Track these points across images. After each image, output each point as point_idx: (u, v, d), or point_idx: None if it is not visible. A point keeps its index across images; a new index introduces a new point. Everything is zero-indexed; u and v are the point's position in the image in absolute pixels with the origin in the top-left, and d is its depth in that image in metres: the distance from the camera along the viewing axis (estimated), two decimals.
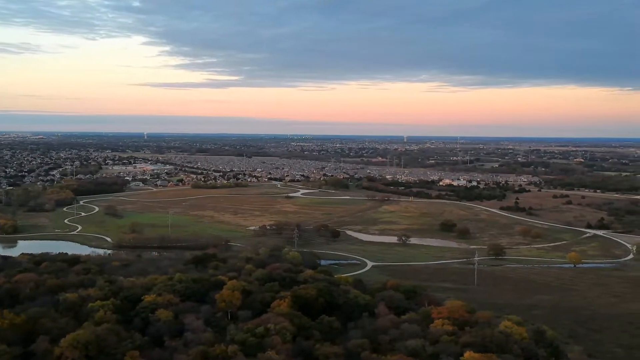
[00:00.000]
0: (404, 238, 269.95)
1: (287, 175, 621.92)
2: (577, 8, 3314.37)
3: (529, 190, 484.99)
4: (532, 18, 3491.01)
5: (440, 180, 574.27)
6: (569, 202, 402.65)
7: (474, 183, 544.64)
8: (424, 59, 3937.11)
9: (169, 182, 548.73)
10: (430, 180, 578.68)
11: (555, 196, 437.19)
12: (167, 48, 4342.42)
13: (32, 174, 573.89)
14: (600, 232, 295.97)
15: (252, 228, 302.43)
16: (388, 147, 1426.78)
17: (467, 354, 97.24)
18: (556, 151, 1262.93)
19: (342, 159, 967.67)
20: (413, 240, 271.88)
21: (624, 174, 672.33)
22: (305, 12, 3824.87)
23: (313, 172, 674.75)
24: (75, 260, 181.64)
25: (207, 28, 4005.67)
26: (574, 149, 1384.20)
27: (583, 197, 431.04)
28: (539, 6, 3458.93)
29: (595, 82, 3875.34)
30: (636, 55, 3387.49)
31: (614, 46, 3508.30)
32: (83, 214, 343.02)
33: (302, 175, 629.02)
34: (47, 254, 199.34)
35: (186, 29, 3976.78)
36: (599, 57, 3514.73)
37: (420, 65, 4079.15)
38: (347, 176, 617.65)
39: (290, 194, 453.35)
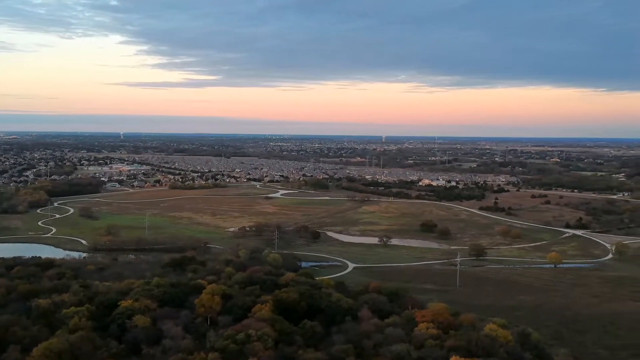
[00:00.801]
0: (384, 239, 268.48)
1: (266, 176, 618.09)
2: (552, 10, 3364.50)
3: (508, 190, 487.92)
4: (509, 20, 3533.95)
5: (419, 180, 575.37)
6: (548, 202, 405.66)
7: (453, 183, 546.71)
8: (402, 59, 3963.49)
9: (145, 182, 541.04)
10: (409, 180, 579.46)
11: (533, 196, 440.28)
12: (144, 47, 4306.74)
13: (4, 175, 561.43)
14: (578, 232, 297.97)
15: (231, 229, 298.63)
16: (367, 147, 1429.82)
17: (453, 358, 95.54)
18: (533, 151, 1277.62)
19: (321, 159, 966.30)
20: (394, 241, 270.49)
21: (599, 173, 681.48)
22: (284, 12, 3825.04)
23: (292, 173, 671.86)
24: (48, 264, 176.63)
25: (185, 27, 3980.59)
26: (550, 149, 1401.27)
27: (561, 197, 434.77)
28: (515, 8, 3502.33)
29: (570, 83, 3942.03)
30: (609, 56, 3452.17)
31: (588, 48, 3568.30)
32: (57, 215, 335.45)
33: (281, 176, 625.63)
34: (19, 257, 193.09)
35: (164, 28, 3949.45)
36: (574, 58, 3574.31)
37: (398, 66, 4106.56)
38: (327, 176, 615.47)
39: (270, 195, 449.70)
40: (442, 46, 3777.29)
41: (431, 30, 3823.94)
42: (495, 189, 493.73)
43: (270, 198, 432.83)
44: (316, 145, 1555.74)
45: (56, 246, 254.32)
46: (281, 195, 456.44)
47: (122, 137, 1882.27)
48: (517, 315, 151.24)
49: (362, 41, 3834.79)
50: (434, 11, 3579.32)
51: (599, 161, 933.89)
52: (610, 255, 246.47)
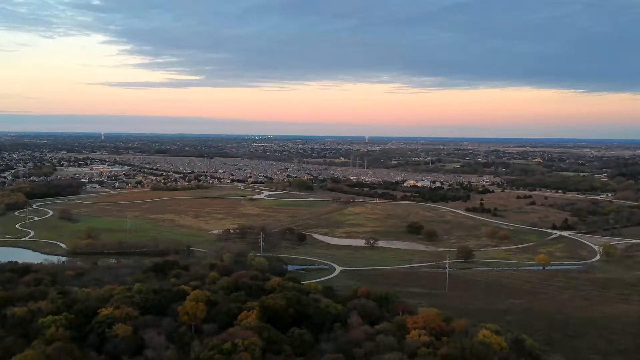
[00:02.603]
0: (371, 241, 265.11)
1: (249, 177, 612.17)
2: (532, 12, 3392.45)
3: (493, 191, 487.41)
4: (489, 22, 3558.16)
5: (404, 181, 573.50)
6: (533, 203, 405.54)
7: (438, 184, 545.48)
8: (385, 60, 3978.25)
9: (127, 184, 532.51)
10: (394, 181, 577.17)
11: (518, 197, 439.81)
12: (127, 47, 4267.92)
13: None
14: (565, 233, 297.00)
15: (214, 232, 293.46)
16: (350, 147, 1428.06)
17: None
18: (515, 152, 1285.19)
19: (304, 159, 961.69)
20: (380, 243, 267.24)
21: (581, 174, 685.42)
22: (267, 13, 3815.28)
23: (276, 174, 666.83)
24: (25, 269, 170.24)
25: (168, 27, 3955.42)
26: (531, 149, 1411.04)
27: (545, 197, 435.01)
28: (495, 11, 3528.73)
29: (550, 84, 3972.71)
30: (588, 58, 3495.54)
31: (567, 50, 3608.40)
32: (36, 218, 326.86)
33: (265, 177, 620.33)
34: None
35: (147, 28, 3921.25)
36: (553, 60, 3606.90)
37: (381, 67, 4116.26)
38: (311, 177, 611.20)
39: (254, 196, 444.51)
40: (424, 48, 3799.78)
41: (413, 31, 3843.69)
42: (480, 189, 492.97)
43: (255, 199, 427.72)
44: (299, 145, 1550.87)
45: (34, 250, 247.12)
46: (265, 196, 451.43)
47: (102, 138, 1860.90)
48: (507, 319, 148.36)
49: (344, 42, 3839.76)
50: (416, 13, 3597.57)
51: (580, 162, 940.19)
52: (597, 257, 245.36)
